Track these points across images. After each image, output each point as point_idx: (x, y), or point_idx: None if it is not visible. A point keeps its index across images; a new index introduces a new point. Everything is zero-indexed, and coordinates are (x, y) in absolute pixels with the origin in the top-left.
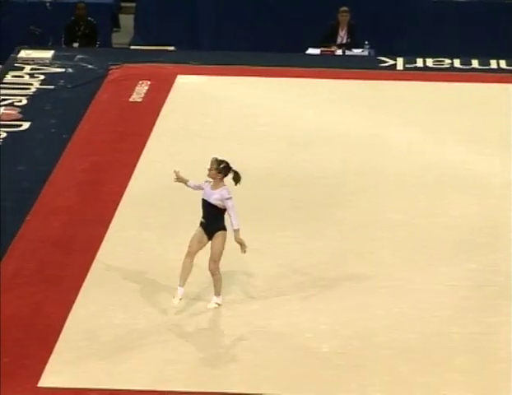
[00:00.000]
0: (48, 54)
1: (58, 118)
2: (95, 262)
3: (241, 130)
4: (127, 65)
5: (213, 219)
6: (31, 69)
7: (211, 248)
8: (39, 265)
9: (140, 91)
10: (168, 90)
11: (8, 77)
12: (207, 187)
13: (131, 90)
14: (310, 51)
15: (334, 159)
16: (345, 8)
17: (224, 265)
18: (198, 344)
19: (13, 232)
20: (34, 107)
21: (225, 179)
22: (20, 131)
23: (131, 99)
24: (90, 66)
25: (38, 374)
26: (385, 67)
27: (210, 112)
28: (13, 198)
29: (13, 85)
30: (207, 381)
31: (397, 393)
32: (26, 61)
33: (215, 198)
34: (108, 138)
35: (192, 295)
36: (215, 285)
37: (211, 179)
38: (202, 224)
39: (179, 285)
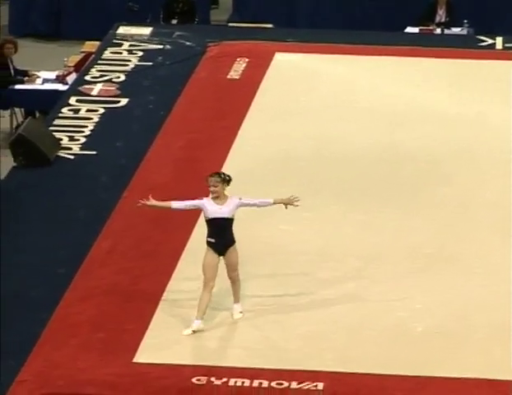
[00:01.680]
0: (146, 31)
1: (155, 95)
2: (191, 238)
3: (339, 108)
4: (225, 42)
5: (227, 233)
6: (130, 45)
7: (230, 260)
8: (136, 241)
9: (238, 68)
10: (266, 68)
11: (107, 53)
12: (211, 204)
13: (229, 68)
14: (409, 29)
15: (432, 137)
16: None
17: (317, 245)
18: (291, 323)
19: (110, 208)
20: (133, 83)
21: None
22: (118, 107)
23: (228, 77)
24: (188, 43)
25: (133, 350)
26: (484, 47)
27: (308, 89)
28: (110, 174)
29: (112, 62)
30: (300, 359)
31: (493, 375)
32: (125, 37)
33: (230, 210)
34: (205, 115)
35: (281, 274)
36: (235, 293)
37: (208, 197)
38: (211, 244)
39: (197, 318)
